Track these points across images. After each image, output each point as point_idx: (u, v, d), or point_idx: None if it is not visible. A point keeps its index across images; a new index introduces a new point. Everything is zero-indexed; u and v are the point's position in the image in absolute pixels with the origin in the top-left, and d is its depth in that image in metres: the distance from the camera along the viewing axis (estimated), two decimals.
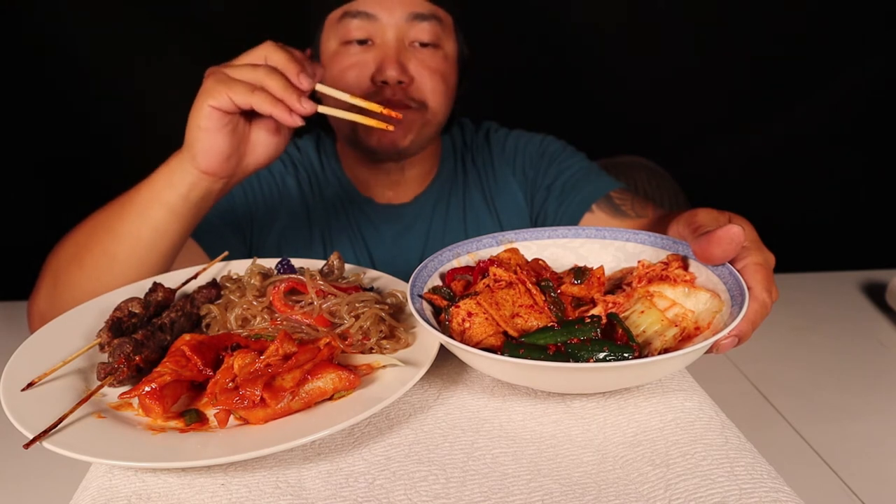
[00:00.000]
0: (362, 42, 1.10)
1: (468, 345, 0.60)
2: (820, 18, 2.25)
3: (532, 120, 1.43)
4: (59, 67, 2.06)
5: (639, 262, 0.71)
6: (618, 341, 0.60)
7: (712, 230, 0.64)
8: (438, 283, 0.71)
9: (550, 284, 0.67)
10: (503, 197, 1.27)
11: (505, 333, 0.63)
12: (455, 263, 0.74)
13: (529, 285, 0.65)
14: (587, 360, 0.57)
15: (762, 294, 0.62)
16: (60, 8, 1.99)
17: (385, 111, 0.85)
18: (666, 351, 0.61)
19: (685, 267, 0.69)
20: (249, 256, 1.14)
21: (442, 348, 0.64)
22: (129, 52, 2.07)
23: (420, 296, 0.68)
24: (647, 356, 0.57)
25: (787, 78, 2.31)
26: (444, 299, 0.67)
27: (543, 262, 0.74)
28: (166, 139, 0.95)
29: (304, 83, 0.81)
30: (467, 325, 0.62)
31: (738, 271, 0.64)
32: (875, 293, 1.69)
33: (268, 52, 0.83)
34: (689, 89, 2.29)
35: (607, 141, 2.00)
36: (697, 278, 0.68)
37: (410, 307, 0.64)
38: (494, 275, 0.66)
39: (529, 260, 0.74)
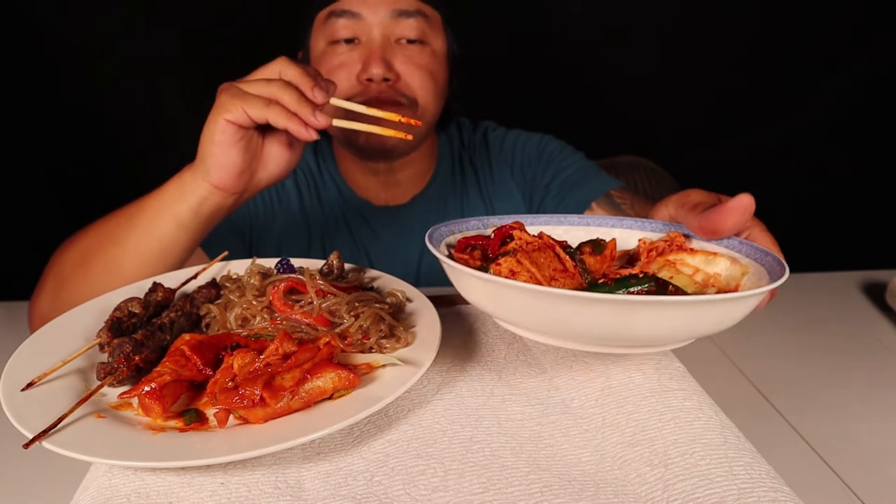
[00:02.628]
0: (349, 41, 1.11)
1: None
2: (820, 17, 2.25)
3: (531, 120, 1.43)
4: (58, 67, 2.06)
5: (639, 240, 0.70)
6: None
7: (721, 203, 0.64)
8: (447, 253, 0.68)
9: (574, 249, 0.64)
10: (501, 197, 1.27)
11: None
12: (452, 240, 0.71)
13: (559, 250, 0.63)
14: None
15: (780, 256, 0.63)
16: (62, 8, 2.00)
17: (404, 119, 0.85)
18: None
19: (686, 243, 0.68)
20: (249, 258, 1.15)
21: (441, 349, 0.64)
22: (129, 52, 2.07)
23: (448, 255, 0.63)
24: None
25: (787, 78, 2.31)
26: (479, 259, 0.62)
27: (547, 235, 0.71)
28: (165, 138, 0.96)
29: (319, 97, 0.82)
30: None
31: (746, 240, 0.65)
32: (875, 293, 1.69)
33: (282, 68, 0.82)
34: (689, 89, 2.29)
35: (607, 141, 2.00)
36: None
37: (439, 257, 0.59)
38: (522, 238, 0.63)
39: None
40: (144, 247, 0.87)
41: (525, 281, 0.57)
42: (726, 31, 2.27)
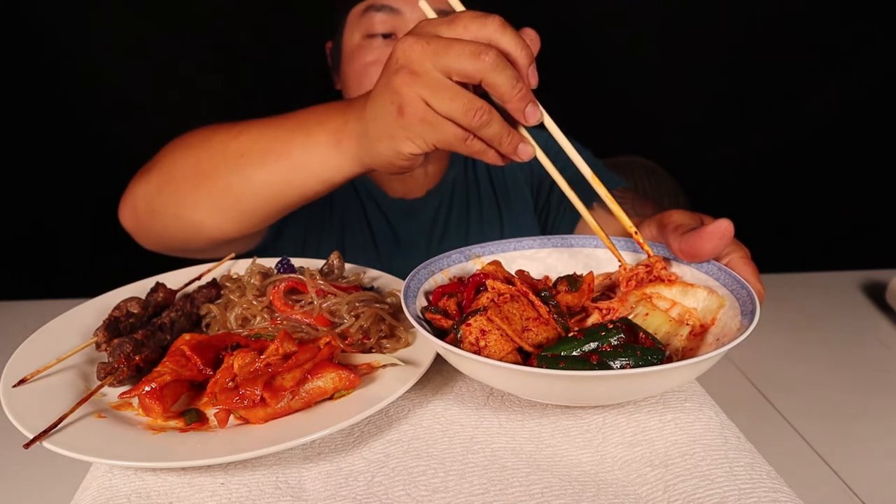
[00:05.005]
0: (386, 36, 1.11)
1: None
2: (821, 18, 2.25)
3: None
4: (58, 67, 2.06)
5: (620, 265, 0.70)
6: (640, 345, 0.58)
7: (701, 227, 0.64)
8: (425, 302, 0.67)
9: (550, 294, 0.64)
10: (511, 192, 1.29)
11: (519, 350, 0.59)
12: (432, 282, 0.69)
13: (532, 297, 0.62)
14: (624, 368, 0.53)
15: (758, 285, 0.63)
16: (62, 9, 2.00)
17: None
18: (686, 350, 0.61)
19: (667, 268, 0.68)
20: (279, 228, 1.16)
21: None
22: (130, 52, 2.07)
23: (420, 317, 0.63)
24: (670, 357, 0.57)
25: (788, 78, 2.31)
26: (448, 318, 0.63)
27: (527, 272, 0.71)
28: (166, 139, 0.95)
29: (531, 118, 0.64)
30: (483, 343, 0.57)
31: (725, 266, 0.65)
32: (875, 293, 1.69)
33: (493, 65, 0.60)
34: (690, 90, 2.29)
35: (608, 141, 2.00)
36: (681, 277, 0.67)
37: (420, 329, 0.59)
38: (495, 289, 0.62)
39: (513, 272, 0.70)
40: (278, 191, 0.80)
41: (496, 338, 0.58)
42: (727, 33, 2.27)
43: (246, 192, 0.81)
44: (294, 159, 0.78)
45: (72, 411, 0.56)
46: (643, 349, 0.55)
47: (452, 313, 0.64)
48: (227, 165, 0.82)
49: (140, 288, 0.79)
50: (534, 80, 0.64)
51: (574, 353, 0.56)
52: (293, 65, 1.82)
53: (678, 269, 0.68)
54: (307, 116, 0.80)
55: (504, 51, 0.61)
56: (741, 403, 1.29)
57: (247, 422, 0.57)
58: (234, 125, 0.86)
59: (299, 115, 0.81)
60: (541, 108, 0.64)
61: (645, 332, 0.59)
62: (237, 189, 0.82)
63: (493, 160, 0.66)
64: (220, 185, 0.82)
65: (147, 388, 0.58)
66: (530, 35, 0.66)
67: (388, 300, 0.74)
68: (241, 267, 0.83)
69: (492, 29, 0.62)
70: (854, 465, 1.12)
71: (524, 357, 0.59)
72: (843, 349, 1.49)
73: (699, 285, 0.65)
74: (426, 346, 0.66)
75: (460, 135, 0.64)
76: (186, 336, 0.65)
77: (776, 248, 1.65)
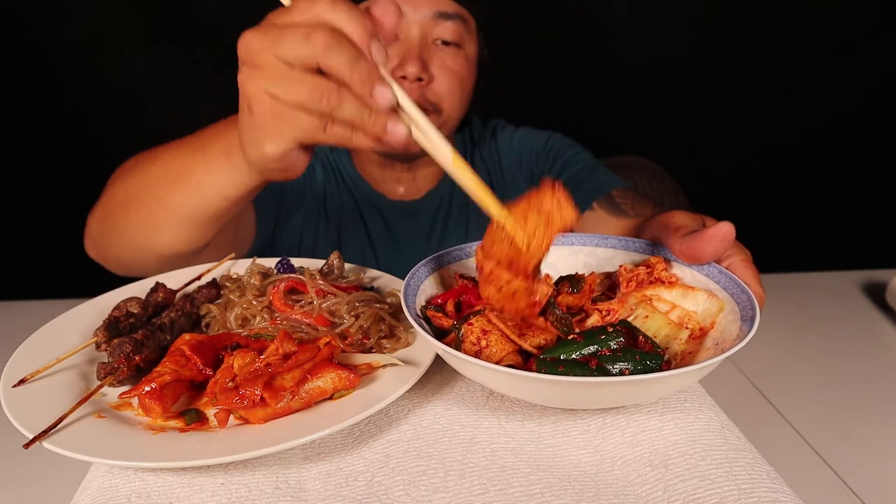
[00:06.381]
0: None
1: None
2: (821, 17, 2.25)
3: (536, 119, 1.44)
4: (58, 66, 2.06)
5: (620, 266, 0.70)
6: (640, 349, 0.57)
7: (702, 229, 0.64)
8: (424, 301, 0.66)
9: (552, 302, 0.62)
10: (510, 193, 1.29)
11: (520, 350, 0.59)
12: (433, 279, 0.69)
13: (534, 320, 0.61)
14: (623, 373, 0.53)
15: (758, 289, 0.63)
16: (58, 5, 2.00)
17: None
18: (685, 353, 0.61)
19: (667, 269, 0.68)
20: (275, 233, 1.16)
21: None
22: (129, 51, 2.07)
23: (419, 315, 0.62)
24: (669, 362, 0.57)
25: (788, 78, 2.32)
26: (447, 318, 0.62)
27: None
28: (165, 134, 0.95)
29: (382, 99, 0.56)
30: (484, 343, 0.57)
31: (726, 269, 0.65)
32: (875, 293, 1.69)
33: (324, 46, 0.55)
34: (690, 90, 2.29)
35: (609, 141, 2.00)
36: (681, 279, 0.67)
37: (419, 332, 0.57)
38: (488, 319, 0.60)
39: None
40: (190, 212, 0.80)
41: (497, 339, 0.58)
42: (728, 33, 2.27)
43: (164, 214, 0.83)
44: (196, 179, 0.78)
45: (72, 411, 0.56)
46: (642, 354, 0.55)
47: (450, 312, 0.63)
48: (147, 191, 0.84)
49: (140, 288, 0.79)
50: (379, 56, 0.56)
51: (573, 357, 0.56)
52: None
53: (678, 270, 0.67)
54: (208, 133, 0.79)
55: (338, 28, 0.56)
56: (741, 403, 1.29)
57: (247, 422, 0.57)
58: (155, 150, 0.87)
59: (204, 132, 0.80)
60: (395, 87, 0.57)
61: (644, 335, 0.59)
62: (157, 213, 0.83)
63: (365, 143, 0.59)
64: (143, 211, 0.84)
65: (147, 388, 0.57)
66: (383, 7, 0.59)
67: (388, 300, 0.74)
68: (241, 267, 0.83)
69: (321, 8, 0.56)
70: (854, 465, 1.12)
71: (525, 356, 0.59)
72: (843, 349, 1.49)
73: (699, 288, 0.65)
74: (426, 345, 0.66)
75: (317, 123, 0.58)
76: (186, 336, 0.65)
77: (776, 248, 1.66)
